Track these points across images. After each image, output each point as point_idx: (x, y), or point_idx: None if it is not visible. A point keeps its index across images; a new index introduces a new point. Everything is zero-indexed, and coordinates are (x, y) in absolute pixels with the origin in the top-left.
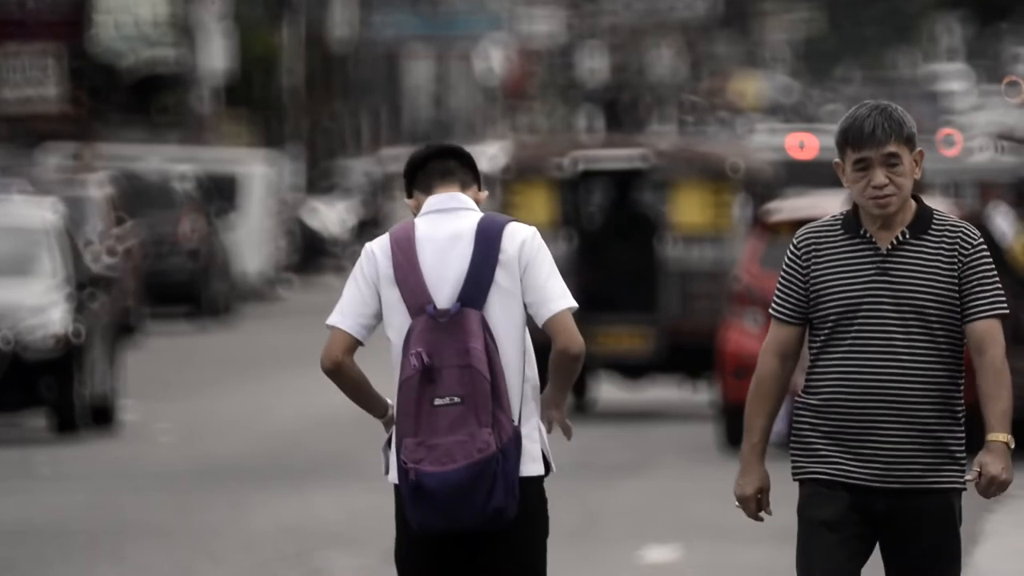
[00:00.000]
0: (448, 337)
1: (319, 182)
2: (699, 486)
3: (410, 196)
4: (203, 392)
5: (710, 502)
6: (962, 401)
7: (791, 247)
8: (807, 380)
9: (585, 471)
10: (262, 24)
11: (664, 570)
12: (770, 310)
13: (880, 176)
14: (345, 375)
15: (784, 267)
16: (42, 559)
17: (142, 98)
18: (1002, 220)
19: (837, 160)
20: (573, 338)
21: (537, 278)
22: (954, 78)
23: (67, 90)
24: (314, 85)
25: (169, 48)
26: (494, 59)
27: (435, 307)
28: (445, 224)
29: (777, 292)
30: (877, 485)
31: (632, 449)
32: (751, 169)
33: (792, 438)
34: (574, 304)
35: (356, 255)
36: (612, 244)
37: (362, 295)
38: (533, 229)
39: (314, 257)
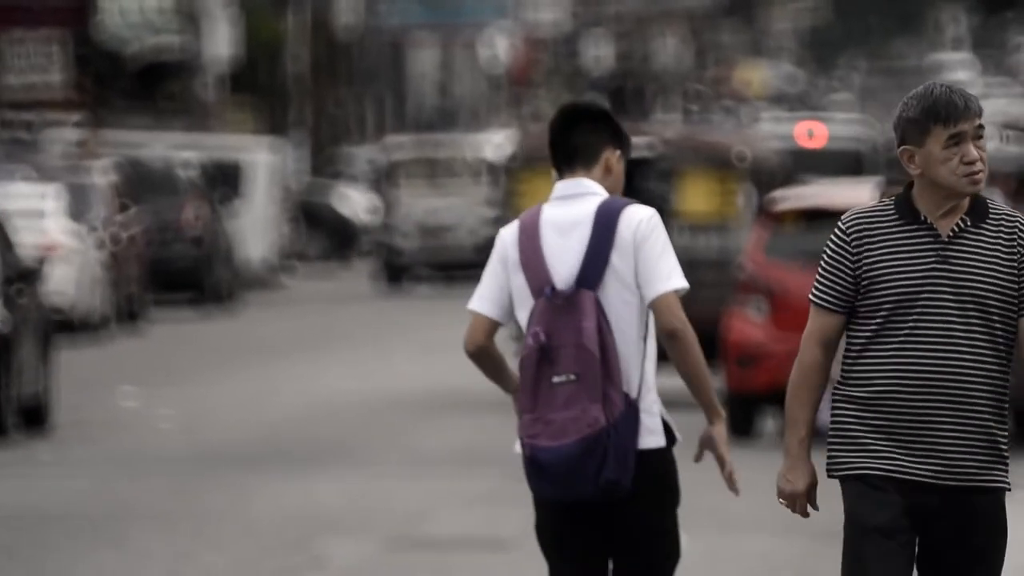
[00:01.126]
0: (564, 317)
1: (324, 169)
2: (702, 475)
3: None
4: (205, 379)
5: (713, 491)
6: (1008, 397)
7: (838, 232)
8: (850, 371)
9: None
10: (267, 11)
11: None
12: (812, 298)
13: (972, 151)
14: (487, 358)
15: (829, 253)
16: (44, 545)
17: (147, 85)
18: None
19: (905, 147)
20: (670, 319)
21: (647, 260)
22: (959, 67)
23: (72, 77)
24: (319, 72)
25: (174, 35)
26: (499, 47)
27: (553, 289)
28: (568, 210)
29: (821, 279)
30: (933, 482)
31: None
32: (757, 158)
33: (832, 432)
34: (682, 285)
35: (370, 243)
36: None
37: (498, 279)
38: (651, 211)
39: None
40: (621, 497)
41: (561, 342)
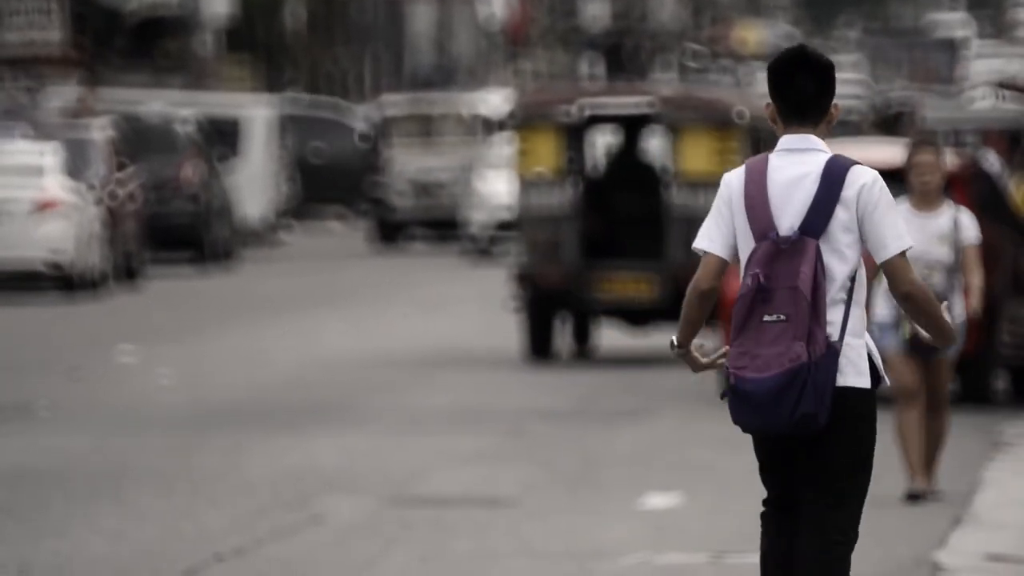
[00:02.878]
0: (784, 261)
1: None
2: (700, 433)
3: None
4: (204, 336)
5: (711, 448)
6: None
7: None
8: None
9: (586, 417)
10: None
11: (664, 516)
12: None
13: None
14: (710, 300)
15: None
16: (42, 502)
17: (144, 42)
18: (993, 163)
19: None
20: (901, 282)
21: (876, 223)
22: (957, 27)
23: (70, 34)
24: (316, 29)
25: None
26: (496, 4)
27: (777, 234)
28: (795, 161)
29: None
30: None
31: (633, 395)
32: (756, 116)
33: None
34: (908, 245)
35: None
36: (618, 190)
37: (724, 219)
38: (875, 174)
39: None
40: (818, 430)
41: (778, 284)
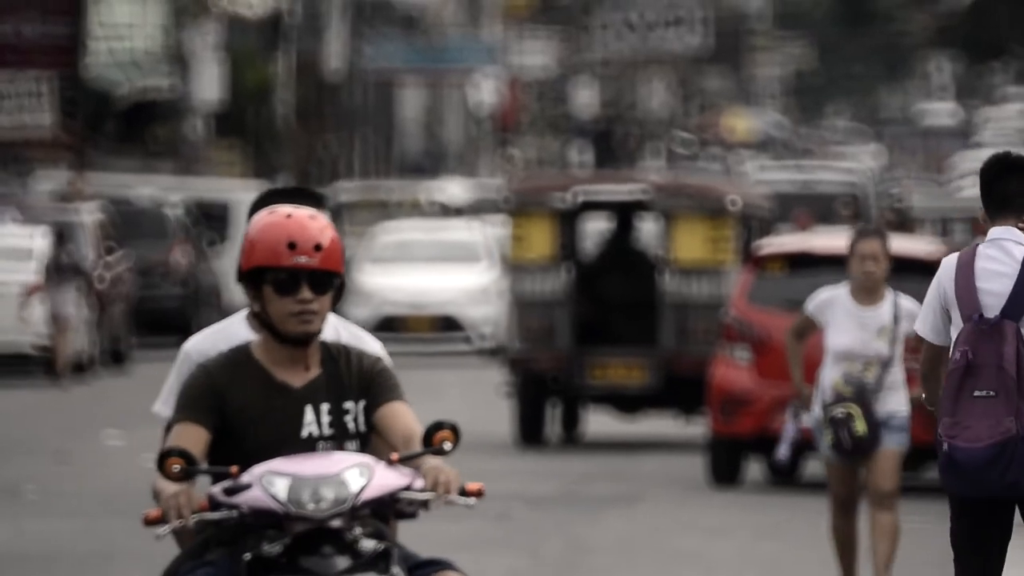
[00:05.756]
0: (988, 342)
1: None
2: (687, 521)
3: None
4: None
5: (698, 536)
6: None
7: None
8: None
9: (573, 503)
10: (255, 54)
11: None
12: None
13: None
14: (936, 380)
15: None
16: None
17: (135, 127)
18: None
19: None
20: None
21: None
22: (945, 116)
23: (60, 118)
24: (307, 115)
25: (163, 77)
26: (486, 91)
27: (981, 316)
28: (1001, 251)
29: None
30: None
31: (621, 482)
32: (748, 204)
33: None
34: None
35: None
36: (610, 277)
37: (937, 307)
38: None
39: None
40: (1021, 499)
41: (984, 362)
